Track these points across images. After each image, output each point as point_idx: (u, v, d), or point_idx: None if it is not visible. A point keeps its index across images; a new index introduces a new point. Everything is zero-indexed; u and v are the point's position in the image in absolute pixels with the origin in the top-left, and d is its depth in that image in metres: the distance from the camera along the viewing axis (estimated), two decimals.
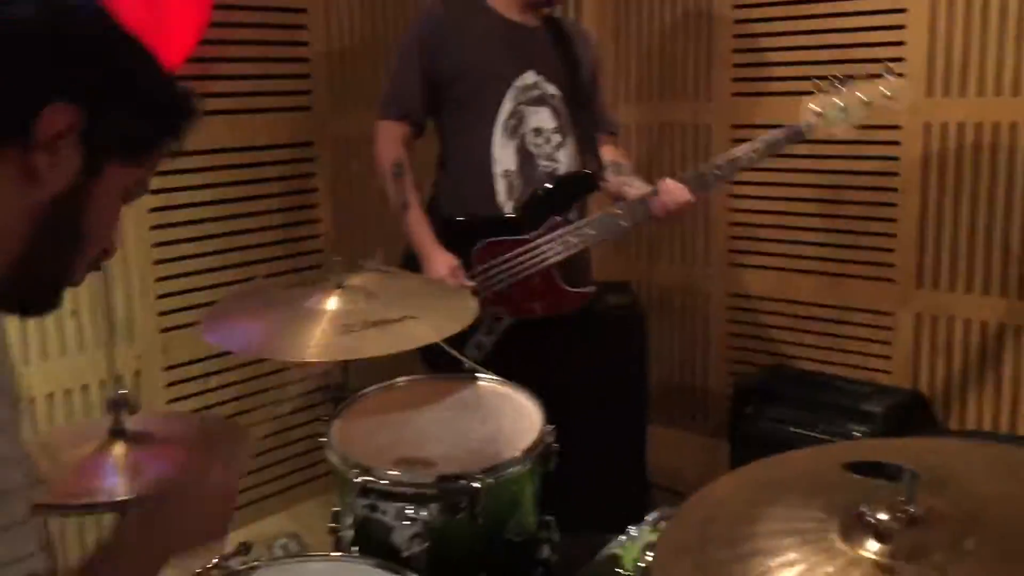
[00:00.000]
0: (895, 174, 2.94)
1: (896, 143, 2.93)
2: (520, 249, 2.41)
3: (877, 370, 3.02)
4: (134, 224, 2.67)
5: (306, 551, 3.04)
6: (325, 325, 1.75)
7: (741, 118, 3.25)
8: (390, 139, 2.45)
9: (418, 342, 1.73)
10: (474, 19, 2.44)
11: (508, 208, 2.43)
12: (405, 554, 1.53)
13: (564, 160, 2.49)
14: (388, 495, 1.59)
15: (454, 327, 1.78)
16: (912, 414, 2.75)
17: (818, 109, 2.28)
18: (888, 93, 2.27)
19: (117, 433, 1.61)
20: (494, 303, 2.41)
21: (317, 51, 3.04)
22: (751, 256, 3.31)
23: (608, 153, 2.61)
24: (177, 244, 2.77)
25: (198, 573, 2.69)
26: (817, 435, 2.73)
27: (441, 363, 2.16)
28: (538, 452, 1.69)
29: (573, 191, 2.48)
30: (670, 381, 3.58)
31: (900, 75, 2.35)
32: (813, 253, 3.15)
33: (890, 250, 2.97)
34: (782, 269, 3.23)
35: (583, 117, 2.54)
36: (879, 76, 2.30)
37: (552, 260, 2.41)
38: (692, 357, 3.53)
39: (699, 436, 3.51)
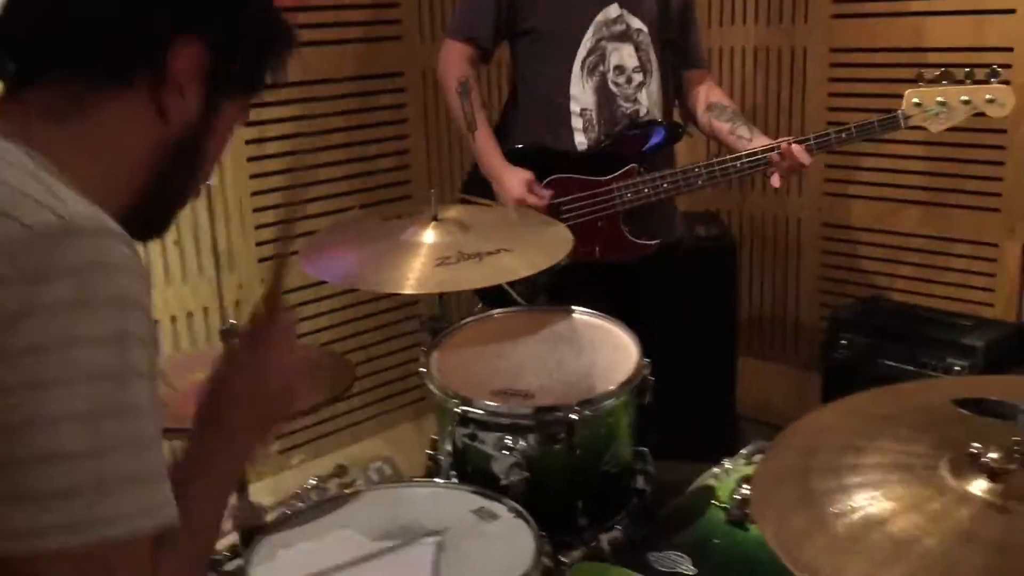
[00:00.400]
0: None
1: (1008, 66, 2.79)
2: (590, 191, 2.35)
3: (979, 303, 2.93)
4: (231, 156, 2.72)
5: (400, 475, 3.16)
6: (422, 258, 1.77)
7: (840, 41, 3.14)
8: (455, 58, 2.38)
9: (512, 275, 1.74)
10: None
11: (583, 147, 2.37)
12: (504, 482, 1.56)
13: (645, 102, 2.39)
14: (487, 425, 1.61)
15: (548, 260, 1.78)
16: (1016, 349, 2.66)
17: (918, 100, 2.25)
18: (990, 98, 2.22)
19: None
20: None
21: None
22: (847, 185, 3.22)
23: (710, 93, 2.51)
24: (272, 176, 2.81)
25: (296, 493, 2.81)
26: (914, 369, 2.68)
27: (492, 297, 2.21)
28: (634, 385, 1.69)
29: (655, 138, 2.39)
30: (761, 312, 3.54)
31: (1006, 82, 2.26)
32: (914, 182, 3.05)
33: (997, 179, 2.85)
34: (880, 199, 3.14)
35: (669, 54, 2.44)
36: (985, 81, 2.23)
37: (621, 207, 2.35)
38: (784, 288, 3.47)
39: (790, 368, 3.47)
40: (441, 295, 2.03)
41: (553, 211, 2.33)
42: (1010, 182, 2.82)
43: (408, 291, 1.73)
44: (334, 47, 2.89)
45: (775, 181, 2.33)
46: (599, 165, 2.36)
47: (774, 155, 2.29)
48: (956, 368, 2.61)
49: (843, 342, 2.86)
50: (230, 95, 0.99)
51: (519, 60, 2.43)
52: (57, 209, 0.78)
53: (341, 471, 3.01)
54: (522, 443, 1.58)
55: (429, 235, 1.85)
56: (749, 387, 3.39)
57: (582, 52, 2.33)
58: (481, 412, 1.62)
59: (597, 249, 2.36)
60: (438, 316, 1.99)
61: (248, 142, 2.74)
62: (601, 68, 2.35)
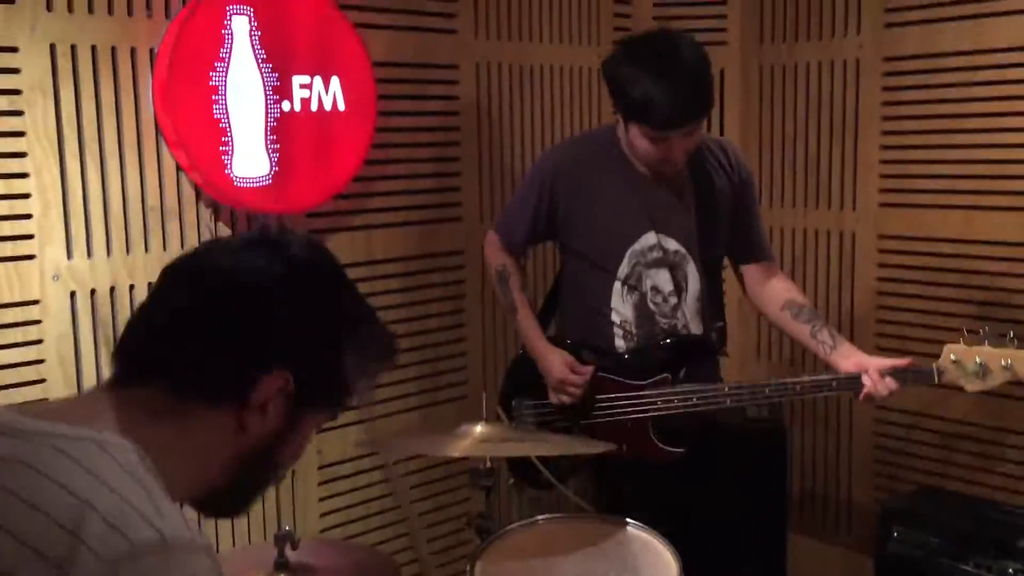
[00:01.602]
0: None
1: None
2: (624, 392, 2.41)
3: None
4: None
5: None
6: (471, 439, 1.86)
7: (887, 229, 3.21)
8: (496, 248, 2.58)
9: (554, 450, 1.78)
10: (606, 170, 2.43)
11: (621, 351, 2.45)
12: None
13: (682, 318, 2.45)
14: None
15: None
16: None
17: (955, 358, 2.19)
18: None
19: (281, 566, 1.73)
20: (587, 432, 2.41)
21: (468, 164, 3.18)
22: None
23: (784, 289, 2.52)
24: None
25: None
26: (970, 569, 2.64)
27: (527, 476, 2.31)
28: None
29: (692, 353, 2.45)
30: (813, 491, 3.51)
31: None
32: None
33: None
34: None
35: (712, 270, 2.51)
36: None
37: (650, 414, 2.38)
38: (836, 468, 3.45)
39: (843, 549, 3.42)
40: (488, 493, 2.07)
41: (586, 406, 2.41)
42: None
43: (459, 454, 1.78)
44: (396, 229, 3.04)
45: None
46: (635, 370, 2.42)
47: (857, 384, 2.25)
48: (1010, 571, 2.57)
49: (895, 534, 2.83)
50: (314, 411, 1.10)
51: (565, 260, 2.57)
52: (157, 524, 0.88)
53: None
54: None
55: (479, 430, 1.94)
56: (801, 567, 3.35)
57: (621, 275, 2.43)
58: None
59: (624, 448, 2.36)
60: (486, 514, 2.04)
61: None
62: (640, 289, 2.43)
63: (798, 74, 3.39)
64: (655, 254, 2.42)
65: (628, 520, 1.97)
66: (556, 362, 2.40)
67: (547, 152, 2.64)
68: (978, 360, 2.15)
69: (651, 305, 2.44)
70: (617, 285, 2.43)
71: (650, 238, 2.42)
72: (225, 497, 1.08)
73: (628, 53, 2.26)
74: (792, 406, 3.50)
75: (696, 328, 2.47)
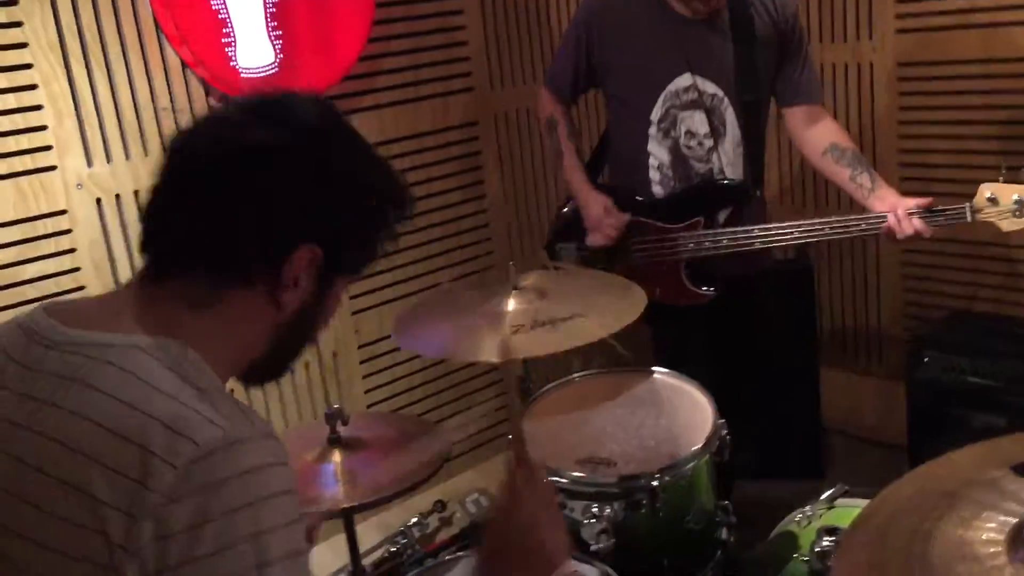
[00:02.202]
0: None
1: None
2: (657, 235, 2.47)
3: None
4: None
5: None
6: (501, 327, 1.89)
7: (906, 56, 3.15)
8: (545, 102, 2.63)
9: (586, 339, 1.84)
10: (642, 11, 2.42)
11: (659, 195, 2.49)
12: (593, 548, 1.67)
13: (718, 162, 2.46)
14: (575, 494, 1.73)
15: (619, 324, 1.88)
16: None
17: (992, 195, 2.15)
18: None
19: (334, 441, 1.82)
20: (621, 274, 2.43)
21: (475, 31, 3.13)
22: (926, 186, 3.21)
23: (828, 132, 2.50)
24: None
25: (401, 530, 2.94)
26: (999, 384, 2.70)
27: None
28: (712, 446, 1.78)
29: (724, 198, 2.47)
30: (843, 325, 3.56)
31: None
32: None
33: None
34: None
35: (752, 114, 2.48)
36: None
37: (683, 256, 2.45)
38: (864, 301, 3.48)
39: (874, 379, 3.49)
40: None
41: (623, 249, 2.49)
42: None
43: (486, 360, 1.83)
44: (410, 105, 3.02)
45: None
46: (669, 214, 2.46)
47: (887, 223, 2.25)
48: None
49: (926, 360, 2.89)
50: (343, 274, 1.11)
51: (609, 110, 2.61)
52: (218, 421, 0.92)
53: (440, 506, 3.17)
54: (608, 510, 1.69)
55: (510, 303, 1.98)
56: (834, 400, 3.43)
57: (655, 117, 2.45)
58: (568, 482, 1.73)
59: (658, 291, 2.42)
60: (524, 376, 2.10)
61: None
62: (673, 133, 2.44)
63: None
64: (690, 95, 2.42)
65: (663, 370, 2.02)
66: (594, 204, 2.49)
67: (583, 3, 2.61)
68: (1016, 196, 2.11)
69: (684, 149, 2.46)
70: (652, 129, 2.45)
71: (685, 79, 2.41)
72: (268, 365, 1.12)
73: None
74: (819, 246, 3.51)
75: (734, 173, 2.48)
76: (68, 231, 2.43)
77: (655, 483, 1.69)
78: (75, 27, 2.38)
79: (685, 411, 1.90)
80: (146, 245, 1.07)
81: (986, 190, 2.16)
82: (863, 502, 1.89)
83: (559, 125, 2.58)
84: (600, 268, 2.51)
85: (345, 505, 1.69)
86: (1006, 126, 2.94)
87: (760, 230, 2.39)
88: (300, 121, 1.08)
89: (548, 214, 3.38)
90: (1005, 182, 2.14)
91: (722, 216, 2.45)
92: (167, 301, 1.03)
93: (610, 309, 1.94)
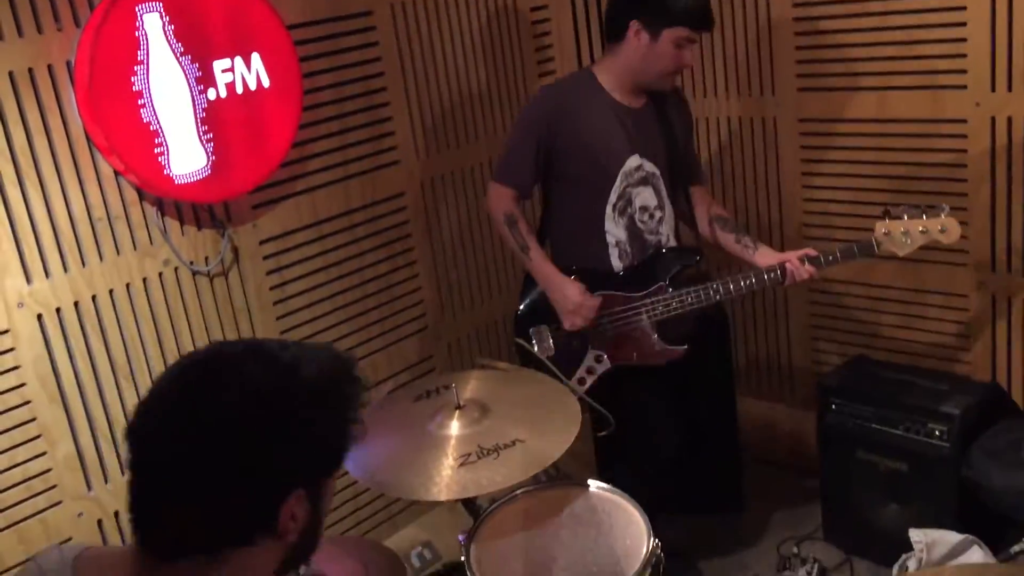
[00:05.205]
0: (963, 166, 3.03)
1: (963, 136, 3.00)
2: (626, 304, 2.75)
3: (957, 358, 3.18)
4: (258, 303, 2.95)
5: (439, 556, 3.43)
6: (448, 459, 2.02)
7: (807, 112, 3.34)
8: (501, 198, 2.78)
9: (528, 472, 1.98)
10: (591, 100, 2.73)
11: (619, 270, 2.77)
12: None
13: (665, 232, 2.83)
14: None
15: (560, 448, 2.03)
16: (989, 411, 2.92)
17: (885, 231, 2.68)
18: (942, 228, 2.64)
19: None
20: (598, 347, 2.75)
21: (397, 107, 3.21)
22: (824, 244, 3.43)
23: (711, 206, 2.95)
24: (297, 313, 3.05)
25: None
26: (901, 434, 2.95)
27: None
28: (649, 565, 1.95)
29: (679, 262, 2.80)
30: (756, 357, 3.79)
31: (950, 213, 2.67)
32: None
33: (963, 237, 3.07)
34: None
35: (676, 186, 2.84)
36: (934, 211, 2.66)
37: (650, 319, 2.73)
38: (776, 342, 3.71)
39: (789, 407, 3.73)
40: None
41: (595, 323, 2.74)
42: (975, 240, 3.04)
43: (435, 499, 1.95)
44: (340, 184, 3.10)
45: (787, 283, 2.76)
46: (633, 284, 2.75)
47: (787, 268, 2.72)
48: (937, 433, 2.88)
49: (833, 407, 3.12)
50: (329, 479, 1.22)
51: (554, 194, 2.82)
52: None
53: None
54: None
55: (453, 426, 2.11)
56: (751, 427, 3.66)
57: (613, 197, 2.74)
58: None
59: (634, 355, 2.77)
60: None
61: (272, 288, 2.97)
62: (629, 210, 2.76)
63: None
64: (640, 174, 2.77)
65: (598, 483, 2.18)
66: (573, 290, 2.70)
67: (534, 100, 2.91)
68: (902, 230, 2.66)
69: (639, 224, 2.79)
70: (608, 209, 2.74)
71: (635, 160, 2.76)
72: (294, 563, 1.23)
73: None
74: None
75: (672, 240, 2.87)
76: (11, 350, 2.46)
77: None
78: (8, 150, 2.39)
79: (621, 527, 2.06)
80: (144, 540, 1.14)
81: (880, 227, 2.68)
82: None
83: (519, 221, 2.76)
84: (576, 344, 2.76)
85: None
86: (894, 180, 3.18)
87: (718, 284, 2.71)
88: (247, 388, 1.12)
89: (474, 271, 3.51)
90: (891, 219, 2.67)
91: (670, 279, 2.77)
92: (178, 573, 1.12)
93: (550, 431, 2.08)
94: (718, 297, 2.73)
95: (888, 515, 3.03)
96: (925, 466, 2.90)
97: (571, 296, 2.70)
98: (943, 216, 2.64)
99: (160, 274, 2.71)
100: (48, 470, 2.54)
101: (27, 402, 2.50)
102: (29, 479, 2.51)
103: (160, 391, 1.15)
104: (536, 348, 2.74)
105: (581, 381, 2.75)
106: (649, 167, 2.78)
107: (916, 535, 2.63)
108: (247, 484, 1.12)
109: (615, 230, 2.77)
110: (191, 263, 2.77)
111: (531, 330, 2.81)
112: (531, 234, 2.78)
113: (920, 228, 2.64)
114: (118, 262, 2.62)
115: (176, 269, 2.74)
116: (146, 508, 1.14)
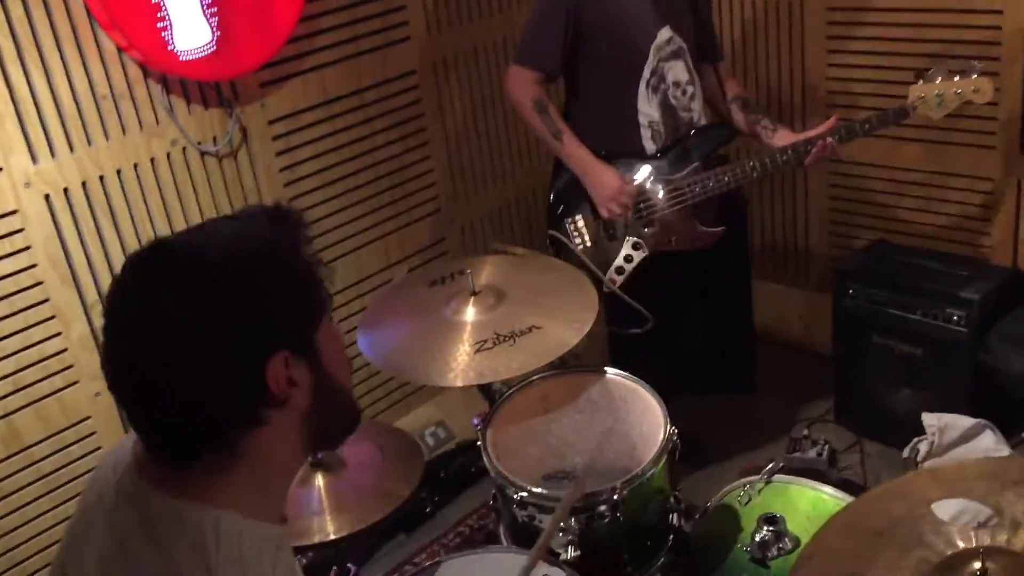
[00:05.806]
0: (998, 43, 2.91)
1: (999, 12, 2.88)
2: (665, 188, 2.65)
3: (978, 243, 3.13)
4: (268, 184, 2.90)
5: (452, 436, 3.47)
6: (463, 344, 2.00)
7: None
8: (524, 82, 2.63)
9: (544, 359, 1.96)
10: None
11: (651, 152, 2.66)
12: (562, 557, 1.85)
13: (697, 108, 2.71)
14: (543, 508, 1.90)
15: (576, 335, 2.00)
16: (1009, 296, 2.89)
17: (920, 95, 2.58)
18: (975, 88, 2.55)
19: (316, 465, 1.94)
20: (634, 234, 2.68)
21: None
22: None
23: (732, 86, 2.82)
24: (309, 194, 3.00)
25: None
26: (917, 318, 2.92)
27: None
28: (666, 451, 1.95)
29: (714, 140, 2.71)
30: (773, 240, 3.74)
31: (987, 74, 2.58)
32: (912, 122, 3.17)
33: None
34: (883, 136, 3.27)
35: (703, 62, 2.74)
36: (967, 72, 2.56)
37: (690, 201, 2.64)
38: (793, 218, 3.65)
39: (804, 291, 3.70)
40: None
41: (633, 208, 2.66)
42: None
43: (451, 384, 1.94)
44: (350, 61, 3.00)
45: (809, 162, 2.63)
46: (668, 166, 2.65)
47: (820, 145, 2.58)
48: (955, 318, 2.85)
49: (850, 291, 3.09)
50: (317, 330, 1.12)
51: (582, 77, 2.67)
52: None
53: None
54: (574, 522, 1.86)
55: (469, 312, 2.09)
56: (766, 310, 3.63)
57: (646, 73, 2.61)
58: (537, 498, 1.90)
59: (673, 239, 2.70)
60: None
61: (282, 169, 2.92)
62: (662, 86, 2.64)
63: None
64: (672, 47, 2.64)
65: (615, 371, 2.17)
66: (611, 176, 2.61)
67: None
68: (936, 93, 2.58)
69: (672, 100, 2.67)
70: (642, 87, 2.61)
71: (666, 32, 2.62)
72: (326, 439, 1.18)
73: None
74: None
75: (703, 118, 2.74)
76: (20, 230, 2.43)
77: (616, 496, 1.86)
78: (7, 26, 2.31)
79: (637, 414, 2.06)
80: (151, 448, 1.10)
81: (915, 91, 2.59)
82: (799, 481, 2.12)
83: (550, 106, 2.63)
84: (612, 232, 2.68)
85: (335, 537, 1.82)
86: (924, 59, 3.06)
87: (754, 160, 2.62)
88: (212, 271, 1.06)
89: (487, 153, 3.44)
90: (925, 83, 2.58)
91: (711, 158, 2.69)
92: (198, 481, 1.08)
93: (565, 317, 2.05)
94: (754, 175, 2.63)
95: (900, 399, 3.03)
96: (941, 351, 2.89)
97: (609, 183, 2.61)
98: (975, 76, 2.55)
99: (168, 154, 2.65)
100: (64, 350, 2.54)
101: (39, 283, 2.48)
102: (45, 359, 2.52)
103: (111, 295, 1.10)
104: (573, 241, 2.66)
105: (620, 270, 2.68)
106: (679, 40, 2.65)
107: (929, 419, 2.63)
108: (219, 358, 1.05)
109: (648, 109, 2.64)
110: (199, 143, 2.71)
111: (566, 221, 2.72)
112: (562, 119, 2.65)
113: (955, 90, 2.55)
114: (125, 142, 2.56)
115: (184, 149, 2.68)
116: (136, 412, 1.09)
